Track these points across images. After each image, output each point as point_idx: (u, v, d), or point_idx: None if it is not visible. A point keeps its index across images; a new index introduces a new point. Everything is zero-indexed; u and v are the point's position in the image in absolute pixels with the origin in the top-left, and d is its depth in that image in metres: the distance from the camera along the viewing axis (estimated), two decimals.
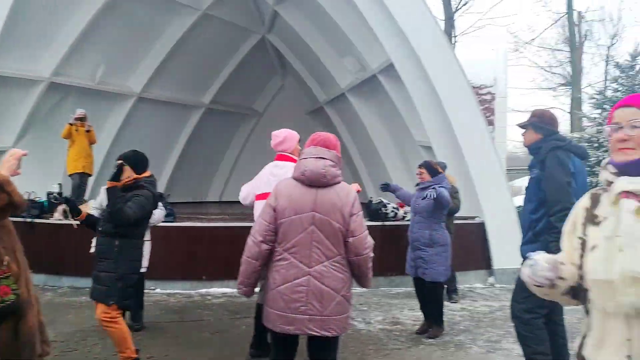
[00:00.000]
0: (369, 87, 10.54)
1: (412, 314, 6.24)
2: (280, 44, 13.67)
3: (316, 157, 2.95)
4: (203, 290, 7.27)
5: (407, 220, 8.24)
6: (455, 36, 25.20)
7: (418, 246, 5.37)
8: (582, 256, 1.72)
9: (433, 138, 8.47)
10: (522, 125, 3.94)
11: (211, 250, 7.31)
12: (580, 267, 1.72)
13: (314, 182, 2.91)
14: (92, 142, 9.29)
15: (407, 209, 8.51)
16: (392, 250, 7.79)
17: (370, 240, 2.96)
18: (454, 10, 25.42)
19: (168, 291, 7.23)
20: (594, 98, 14.34)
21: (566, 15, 28.57)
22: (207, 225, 7.91)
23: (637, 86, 12.62)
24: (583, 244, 1.72)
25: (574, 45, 28.27)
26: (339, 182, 2.97)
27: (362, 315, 6.21)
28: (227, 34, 12.77)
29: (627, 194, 1.64)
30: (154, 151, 11.17)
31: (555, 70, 32.88)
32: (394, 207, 8.35)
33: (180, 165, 13.92)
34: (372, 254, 2.97)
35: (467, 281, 8.03)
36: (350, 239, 2.88)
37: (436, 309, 5.41)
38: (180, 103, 13.35)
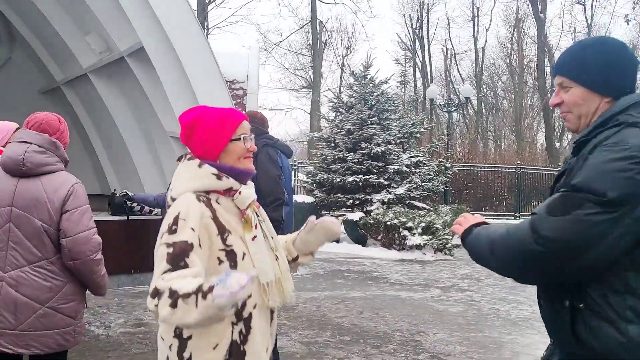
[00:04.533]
0: (116, 70, 9.71)
1: None
2: (4, 7, 11.74)
3: (19, 142, 2.50)
4: None
5: (155, 215, 7.87)
6: (208, 29, 25.17)
7: None
8: (232, 266, 1.68)
9: None
10: None
11: None
12: None
13: (12, 170, 2.47)
14: None
15: None
16: (137, 247, 7.37)
17: (94, 242, 2.53)
18: (207, 2, 25.40)
19: None
20: (332, 102, 15.71)
21: (310, 23, 31.00)
22: None
23: (368, 93, 14.21)
24: (229, 253, 1.69)
25: (317, 51, 30.81)
26: (50, 172, 2.50)
27: (100, 319, 5.68)
28: None
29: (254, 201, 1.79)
30: None
31: (299, 73, 35.47)
32: None
33: None
34: (98, 257, 2.54)
35: None
36: (63, 241, 2.45)
37: None
38: None
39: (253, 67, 11.06)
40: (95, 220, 2.58)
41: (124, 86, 10.01)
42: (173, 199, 1.73)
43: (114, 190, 8.71)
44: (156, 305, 1.50)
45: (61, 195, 2.46)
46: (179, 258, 1.56)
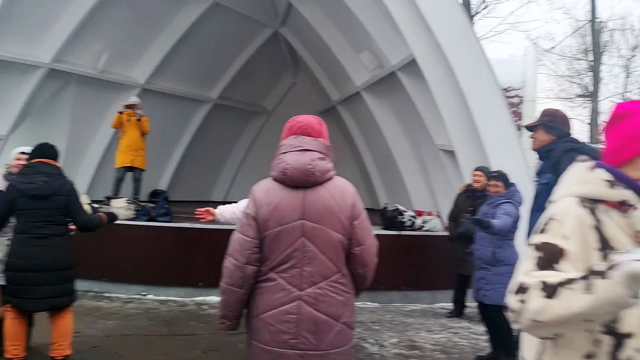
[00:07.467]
0: (387, 86, 9.85)
1: (431, 337, 5.57)
2: (293, 39, 13.04)
3: (299, 150, 2.28)
4: (199, 299, 6.64)
5: (425, 231, 7.62)
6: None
7: (481, 265, 4.75)
8: None
9: (456, 142, 7.76)
10: (531, 126, 3.47)
11: (210, 255, 6.64)
12: None
13: (300, 182, 2.24)
14: (144, 132, 8.84)
15: (426, 217, 7.88)
16: (407, 263, 7.19)
17: (376, 247, 2.42)
18: (473, 13, 24.78)
19: (161, 298, 6.62)
20: None
21: (587, 24, 27.85)
22: (206, 227, 7.25)
23: None
24: None
25: (597, 55, 27.51)
26: (331, 178, 2.31)
27: (374, 336, 5.55)
28: (238, 26, 12.13)
29: None
30: (157, 146, 10.54)
31: (574, 80, 32.16)
32: (411, 215, 7.69)
33: (184, 162, 13.27)
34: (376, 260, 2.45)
35: None
36: (357, 250, 2.28)
37: (504, 335, 4.60)
38: (186, 97, 12.72)
39: (530, 73, 10.11)
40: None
41: (393, 100, 10.10)
42: (551, 202, 1.53)
43: (386, 204, 8.73)
44: (521, 301, 1.32)
45: (348, 202, 2.28)
46: (547, 263, 1.38)
